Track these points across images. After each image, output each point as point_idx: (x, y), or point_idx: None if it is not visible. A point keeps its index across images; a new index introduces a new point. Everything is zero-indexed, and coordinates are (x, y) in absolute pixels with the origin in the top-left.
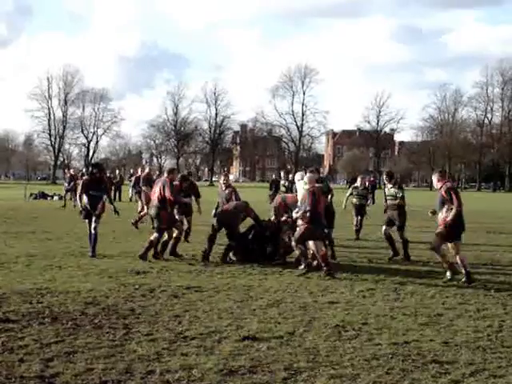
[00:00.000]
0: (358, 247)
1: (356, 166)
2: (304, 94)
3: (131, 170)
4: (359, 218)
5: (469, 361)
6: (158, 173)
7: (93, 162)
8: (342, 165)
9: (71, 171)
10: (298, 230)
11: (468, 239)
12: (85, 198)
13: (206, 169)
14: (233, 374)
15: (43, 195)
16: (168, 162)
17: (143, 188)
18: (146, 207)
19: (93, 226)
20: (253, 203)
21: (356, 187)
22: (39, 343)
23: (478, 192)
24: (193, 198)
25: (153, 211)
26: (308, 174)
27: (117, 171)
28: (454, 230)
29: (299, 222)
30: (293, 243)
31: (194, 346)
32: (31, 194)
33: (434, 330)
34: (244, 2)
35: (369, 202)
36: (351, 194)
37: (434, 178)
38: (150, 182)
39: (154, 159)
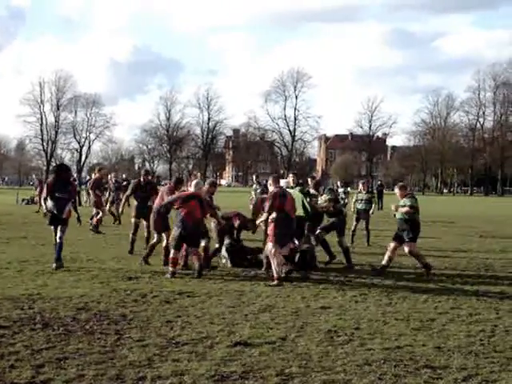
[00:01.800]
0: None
1: (348, 170)
2: (296, 98)
3: (86, 177)
4: (364, 223)
5: (461, 366)
6: (150, 177)
7: (87, 167)
8: (335, 169)
9: (39, 177)
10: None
11: (461, 244)
12: (49, 202)
13: (199, 174)
14: (224, 379)
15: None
16: (161, 167)
17: (90, 191)
18: (100, 210)
19: (58, 234)
20: (243, 208)
21: (359, 193)
22: (30, 349)
23: (470, 196)
24: None
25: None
26: (195, 180)
27: (109, 176)
28: (275, 234)
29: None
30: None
31: (185, 352)
32: (23, 199)
33: (426, 335)
34: (238, 7)
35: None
36: (356, 200)
37: (268, 182)
38: (99, 185)
39: (147, 164)
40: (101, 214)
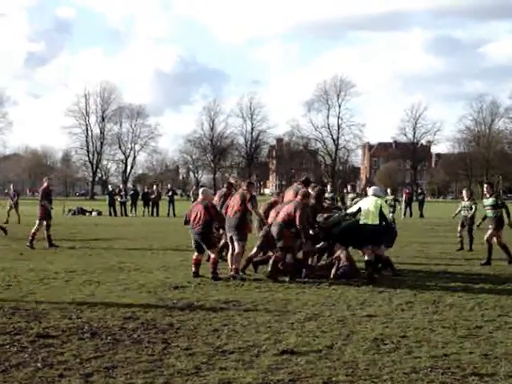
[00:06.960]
0: (395, 260)
1: (393, 178)
2: (339, 107)
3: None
4: (467, 229)
5: (509, 373)
6: (194, 187)
7: (132, 177)
8: (379, 177)
9: (12, 186)
10: None
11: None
12: None
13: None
14: None
15: (82, 211)
16: (205, 177)
17: (41, 202)
18: (42, 222)
19: None
20: None
21: (463, 200)
22: (79, 358)
23: None
24: None
25: (275, 229)
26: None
27: (154, 186)
28: None
29: None
30: None
31: (232, 360)
32: (69, 210)
33: (473, 343)
34: (281, 17)
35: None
36: (461, 207)
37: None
38: (48, 195)
39: (191, 174)
40: (37, 227)
